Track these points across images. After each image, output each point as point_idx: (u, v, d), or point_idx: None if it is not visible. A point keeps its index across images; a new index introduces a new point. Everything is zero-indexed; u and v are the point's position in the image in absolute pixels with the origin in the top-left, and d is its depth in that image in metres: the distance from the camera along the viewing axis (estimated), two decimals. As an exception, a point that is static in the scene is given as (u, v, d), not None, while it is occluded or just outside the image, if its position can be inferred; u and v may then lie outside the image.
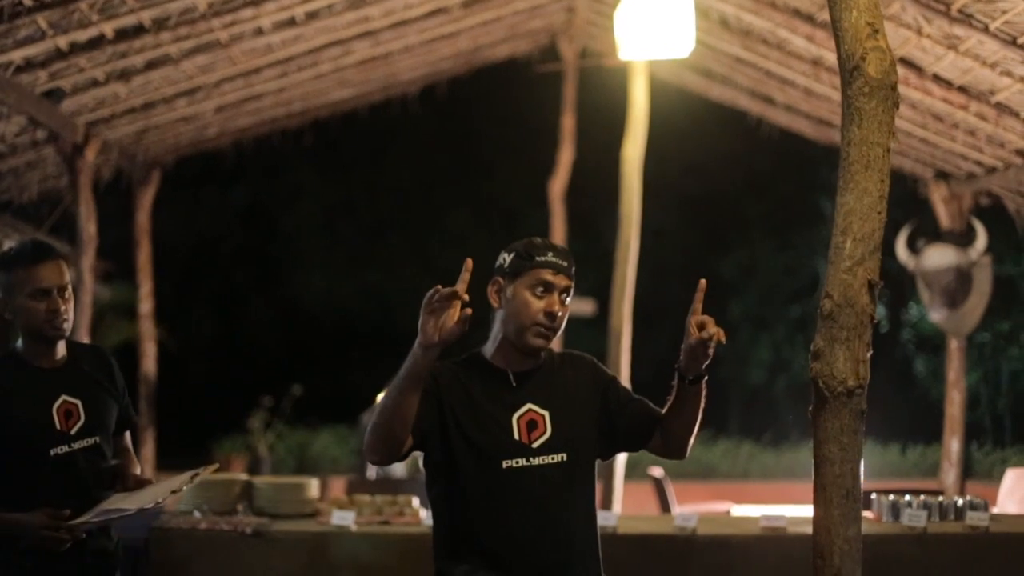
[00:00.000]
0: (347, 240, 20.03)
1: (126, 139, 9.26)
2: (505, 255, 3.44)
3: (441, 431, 3.34)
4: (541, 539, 3.34)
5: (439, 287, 3.10)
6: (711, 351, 3.29)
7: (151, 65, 7.81)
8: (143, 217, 10.22)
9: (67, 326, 3.89)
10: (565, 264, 3.41)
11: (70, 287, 3.90)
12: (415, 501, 5.83)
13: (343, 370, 18.21)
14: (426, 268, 19.20)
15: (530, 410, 3.40)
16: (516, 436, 3.37)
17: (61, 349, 3.96)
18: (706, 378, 3.38)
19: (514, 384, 3.43)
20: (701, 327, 3.27)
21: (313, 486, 5.98)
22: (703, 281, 3.35)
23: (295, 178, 19.62)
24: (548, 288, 3.38)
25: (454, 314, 3.11)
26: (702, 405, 3.41)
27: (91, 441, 3.90)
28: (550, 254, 3.40)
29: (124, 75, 7.80)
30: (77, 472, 3.84)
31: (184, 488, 3.76)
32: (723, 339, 3.27)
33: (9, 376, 3.88)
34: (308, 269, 19.83)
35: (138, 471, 4.09)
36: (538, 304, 3.37)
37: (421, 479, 3.50)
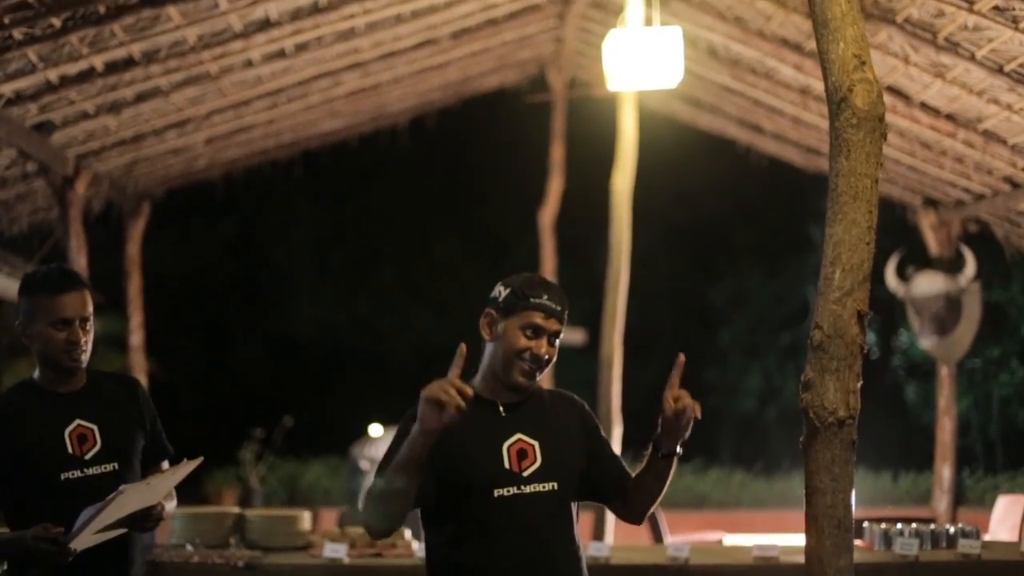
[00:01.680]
0: (337, 270, 20.02)
1: (116, 171, 9.26)
2: (501, 288, 3.43)
3: (432, 475, 3.30)
4: (532, 566, 3.33)
5: (446, 388, 3.03)
6: (687, 424, 3.33)
7: (141, 97, 7.83)
8: (133, 249, 10.21)
9: (84, 358, 3.80)
10: (558, 308, 3.40)
11: (92, 318, 3.82)
12: (407, 533, 5.81)
13: (334, 401, 18.17)
14: (416, 298, 19.23)
15: (520, 440, 3.40)
16: (507, 465, 3.37)
17: (81, 377, 3.87)
18: (679, 455, 3.42)
19: (503, 415, 3.43)
20: (676, 400, 3.31)
21: (305, 518, 5.96)
22: (681, 356, 3.39)
23: (285, 209, 19.64)
24: (538, 332, 3.37)
25: (453, 399, 3.04)
26: (669, 479, 3.46)
27: (109, 467, 3.79)
28: (544, 296, 3.38)
29: (114, 107, 7.81)
30: (90, 499, 3.58)
31: (169, 479, 3.67)
32: (698, 414, 3.32)
33: (23, 401, 3.82)
34: (298, 299, 19.81)
35: (172, 504, 3.96)
36: (526, 344, 3.37)
37: (413, 512, 3.47)
